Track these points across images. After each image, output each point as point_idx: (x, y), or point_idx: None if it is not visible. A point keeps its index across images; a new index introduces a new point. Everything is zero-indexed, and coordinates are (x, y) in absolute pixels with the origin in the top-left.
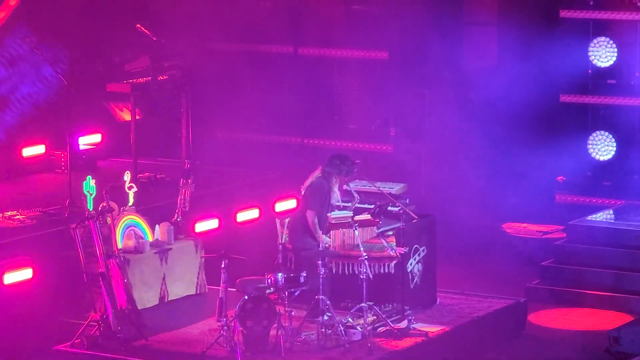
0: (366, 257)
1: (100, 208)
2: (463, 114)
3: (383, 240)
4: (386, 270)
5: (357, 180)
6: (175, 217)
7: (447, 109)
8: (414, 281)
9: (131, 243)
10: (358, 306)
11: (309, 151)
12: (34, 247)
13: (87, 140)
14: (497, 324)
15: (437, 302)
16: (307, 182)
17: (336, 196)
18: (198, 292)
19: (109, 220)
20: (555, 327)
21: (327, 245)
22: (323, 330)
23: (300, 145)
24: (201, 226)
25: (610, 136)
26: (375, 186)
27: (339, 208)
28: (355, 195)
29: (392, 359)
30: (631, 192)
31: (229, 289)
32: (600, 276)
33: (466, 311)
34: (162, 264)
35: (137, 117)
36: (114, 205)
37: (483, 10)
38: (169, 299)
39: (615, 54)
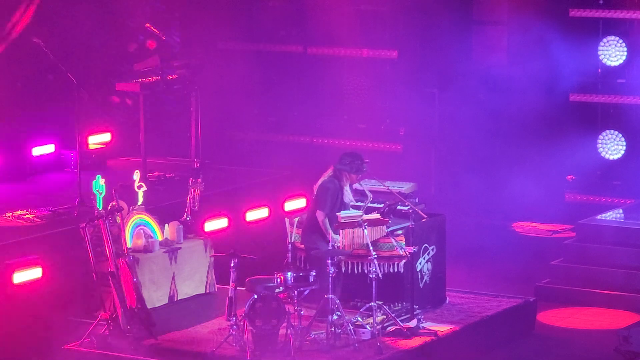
0: (375, 256)
1: (109, 207)
2: (472, 113)
3: (392, 240)
4: (395, 270)
5: (366, 180)
6: (185, 216)
7: (457, 108)
8: (424, 280)
9: (141, 242)
10: (367, 305)
11: (318, 150)
12: (44, 246)
13: (97, 139)
14: (507, 323)
15: (447, 301)
16: (319, 182)
17: (348, 194)
18: (207, 291)
19: (118, 219)
20: (564, 326)
21: (336, 244)
22: (332, 329)
23: (310, 145)
24: (210, 225)
25: (620, 135)
26: (384, 185)
27: (354, 207)
28: (368, 193)
29: (401, 359)
30: None
31: (238, 288)
32: (609, 275)
33: (475, 310)
34: (171, 263)
35: None
36: (123, 204)
37: (493, 9)
38: (179, 298)
39: (625, 53)
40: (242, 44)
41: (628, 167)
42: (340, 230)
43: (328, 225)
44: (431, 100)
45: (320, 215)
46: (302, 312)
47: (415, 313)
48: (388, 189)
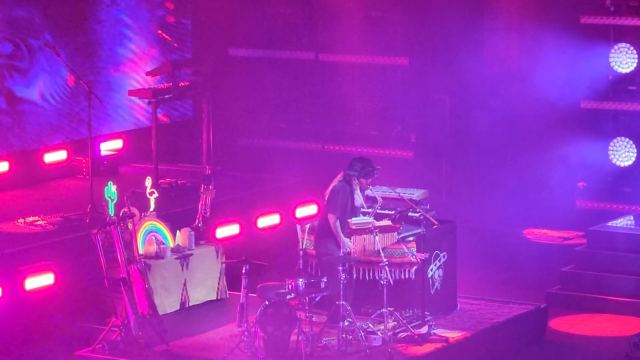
0: (387, 262)
1: (121, 214)
2: (483, 120)
3: (404, 246)
4: (407, 276)
5: (377, 186)
6: (196, 222)
7: (468, 115)
8: (435, 287)
9: (152, 248)
10: (379, 312)
11: (329, 157)
12: (56, 252)
13: (109, 146)
14: (518, 330)
15: (458, 308)
16: (330, 187)
17: (359, 199)
18: (219, 297)
19: (130, 225)
20: (575, 333)
21: (348, 250)
22: (344, 335)
23: (321, 151)
24: (222, 232)
25: (631, 142)
26: (395, 192)
27: (363, 212)
28: (379, 198)
29: None
30: None
31: (249, 294)
32: (620, 282)
33: (486, 317)
34: (183, 270)
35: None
36: (135, 210)
37: (504, 16)
38: (190, 305)
39: (636, 60)
40: (253, 50)
41: (639, 174)
42: (352, 237)
43: (339, 229)
44: (442, 107)
45: (331, 218)
46: (313, 318)
47: (426, 319)
48: (399, 195)
